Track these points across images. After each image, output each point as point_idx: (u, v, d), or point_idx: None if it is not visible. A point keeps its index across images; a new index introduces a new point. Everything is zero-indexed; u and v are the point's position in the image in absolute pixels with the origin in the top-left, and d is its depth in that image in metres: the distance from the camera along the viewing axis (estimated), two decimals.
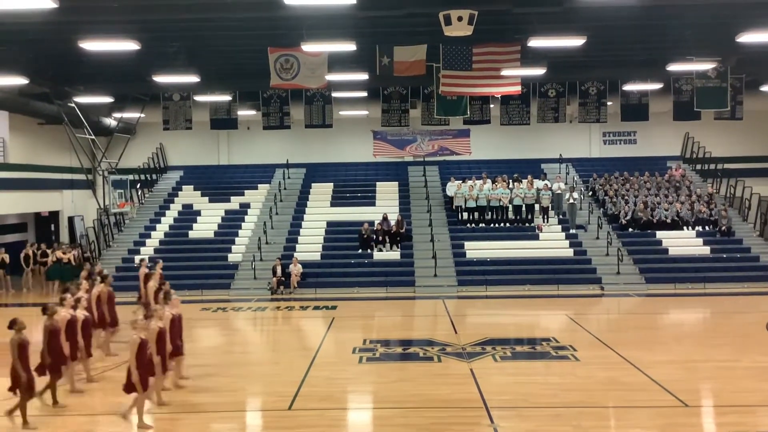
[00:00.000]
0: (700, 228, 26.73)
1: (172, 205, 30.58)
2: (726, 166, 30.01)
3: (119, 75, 23.80)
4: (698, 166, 31.65)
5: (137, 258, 26.32)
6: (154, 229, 28.80)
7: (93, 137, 28.77)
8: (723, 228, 26.39)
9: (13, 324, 10.68)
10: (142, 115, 29.44)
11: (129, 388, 10.58)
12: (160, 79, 21.31)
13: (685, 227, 26.77)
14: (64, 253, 25.53)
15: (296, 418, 11.10)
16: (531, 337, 16.87)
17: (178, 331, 12.48)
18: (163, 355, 11.39)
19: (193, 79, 21.16)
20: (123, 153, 30.34)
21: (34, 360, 11.11)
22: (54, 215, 31.13)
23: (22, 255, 26.14)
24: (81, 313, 12.75)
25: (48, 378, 11.68)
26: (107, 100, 26.69)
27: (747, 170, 29.90)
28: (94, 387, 12.95)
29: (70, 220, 31.71)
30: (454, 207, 28.20)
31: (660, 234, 26.53)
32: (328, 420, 10.99)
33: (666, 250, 25.86)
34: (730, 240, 26.24)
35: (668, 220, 26.86)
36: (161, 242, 27.73)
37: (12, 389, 10.73)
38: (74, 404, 11.85)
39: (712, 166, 30.65)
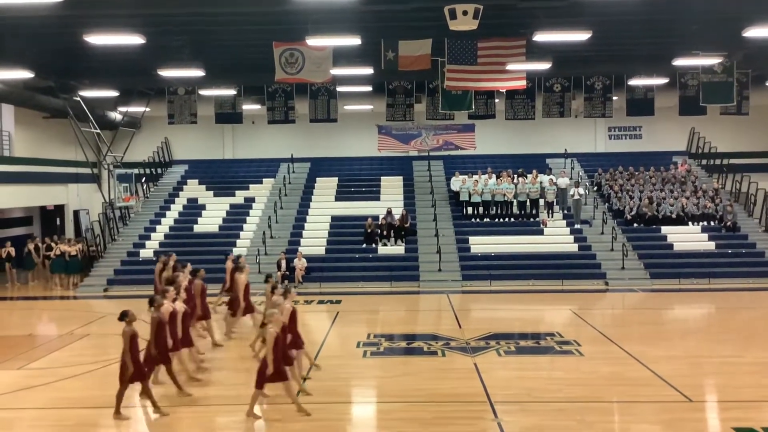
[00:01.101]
0: (705, 223, 26.67)
1: (177, 199, 30.63)
2: (731, 161, 29.94)
3: (124, 69, 23.82)
4: (704, 162, 31.57)
5: (142, 252, 26.49)
6: (159, 223, 28.85)
7: (98, 131, 28.83)
8: (728, 223, 26.33)
9: (124, 315, 10.83)
10: (147, 109, 29.48)
11: (263, 381, 10.65)
12: (165, 73, 21.32)
13: (690, 222, 26.71)
14: (69, 247, 25.62)
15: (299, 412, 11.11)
16: (535, 332, 16.84)
17: (296, 324, 12.76)
18: (285, 347, 11.53)
19: (198, 73, 21.16)
20: (128, 147, 30.40)
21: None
22: (59, 209, 31.23)
23: (32, 248, 26.20)
24: (180, 305, 12.93)
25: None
26: (112, 94, 26.75)
27: (753, 165, 29.80)
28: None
29: (76, 213, 31.79)
30: (460, 200, 28.18)
31: (665, 229, 26.47)
32: (332, 414, 11.02)
33: (671, 246, 25.82)
34: (735, 235, 26.17)
35: (673, 216, 26.80)
36: (166, 236, 27.78)
37: (122, 382, 10.82)
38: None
39: (718, 162, 30.59)
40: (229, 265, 18.60)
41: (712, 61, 21.81)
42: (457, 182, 28.57)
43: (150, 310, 11.77)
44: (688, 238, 26.11)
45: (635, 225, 26.89)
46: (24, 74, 20.86)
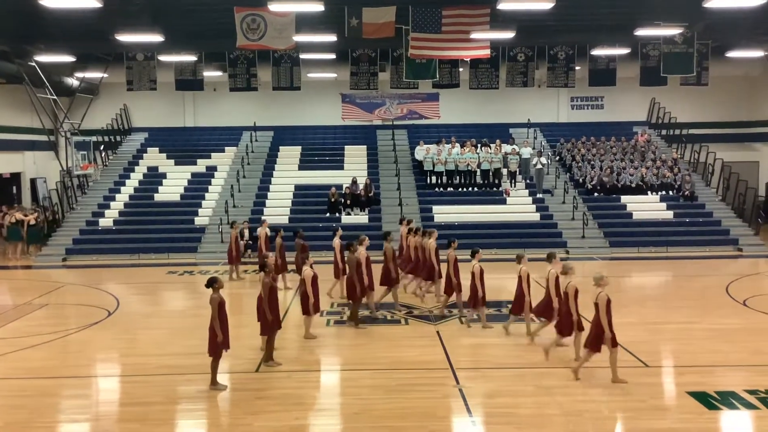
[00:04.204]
0: (663, 193, 27.10)
1: (137, 168, 30.15)
2: (690, 131, 30.37)
3: (81, 33, 23.13)
4: (663, 132, 31.99)
5: (102, 221, 26.13)
6: (119, 191, 28.41)
7: (55, 97, 28.11)
8: (686, 193, 26.80)
9: (213, 282, 10.59)
10: (105, 75, 28.80)
11: (599, 344, 10.59)
12: (124, 38, 20.82)
13: (649, 192, 27.12)
14: (25, 216, 25.13)
15: (263, 380, 11.15)
16: (497, 300, 16.98)
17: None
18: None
19: (157, 38, 20.70)
20: (86, 114, 29.74)
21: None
22: (15, 177, 30.53)
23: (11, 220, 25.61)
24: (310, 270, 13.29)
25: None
26: (69, 59, 25.98)
27: (711, 136, 30.25)
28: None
29: (32, 182, 31.14)
30: (424, 170, 28.20)
31: (624, 198, 26.87)
32: (295, 382, 11.05)
33: (630, 215, 26.23)
34: (692, 204, 26.67)
35: (633, 185, 27.19)
36: (126, 205, 27.39)
37: (212, 352, 10.62)
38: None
39: (677, 132, 31.01)
40: (403, 230, 18.50)
41: (673, 31, 22.00)
42: (421, 151, 28.56)
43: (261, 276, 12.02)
44: (647, 207, 26.53)
45: (596, 194, 27.23)
46: None
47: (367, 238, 15.55)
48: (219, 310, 10.49)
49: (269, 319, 11.59)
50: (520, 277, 13.18)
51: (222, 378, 10.94)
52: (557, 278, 12.24)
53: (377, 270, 15.66)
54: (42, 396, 10.60)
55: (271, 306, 11.61)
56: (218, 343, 10.50)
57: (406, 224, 18.78)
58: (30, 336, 13.90)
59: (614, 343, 10.55)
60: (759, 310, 15.53)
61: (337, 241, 16.83)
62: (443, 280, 15.50)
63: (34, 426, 9.49)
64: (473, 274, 13.82)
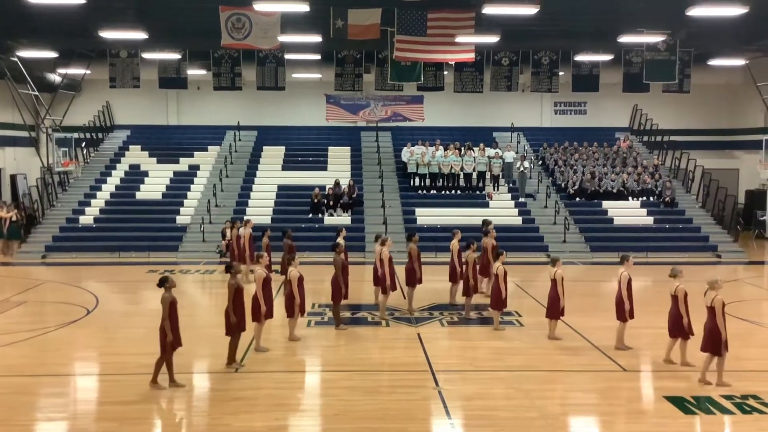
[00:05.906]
0: (644, 198, 27.33)
1: (118, 165, 29.96)
2: (672, 138, 30.63)
3: (64, 29, 23.02)
4: (645, 138, 32.25)
5: (82, 218, 25.94)
6: (100, 189, 28.21)
7: (36, 93, 27.91)
8: (667, 199, 27.03)
9: (164, 281, 10.52)
10: (88, 72, 28.61)
11: (717, 348, 10.55)
12: (107, 34, 20.70)
13: (630, 197, 27.34)
14: (7, 212, 24.88)
15: (243, 380, 11.12)
16: (477, 303, 17.08)
17: None
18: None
19: (141, 35, 20.61)
20: (68, 110, 29.54)
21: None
22: None
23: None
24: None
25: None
26: (51, 55, 25.82)
27: (692, 143, 30.58)
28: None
29: (13, 178, 30.82)
30: (407, 172, 28.23)
31: (606, 204, 27.07)
32: (275, 382, 11.04)
33: (611, 220, 26.43)
34: (673, 211, 26.92)
35: (614, 191, 27.40)
36: (107, 203, 27.21)
37: (162, 350, 10.56)
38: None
39: (659, 138, 31.28)
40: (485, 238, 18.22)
41: (656, 38, 22.23)
42: (407, 153, 28.58)
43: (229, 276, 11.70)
44: (627, 212, 26.75)
45: (577, 199, 27.40)
46: None
47: (389, 239, 15.82)
48: (170, 310, 10.46)
49: (232, 321, 11.45)
50: (554, 281, 13.21)
51: (202, 378, 10.90)
52: (629, 281, 12.59)
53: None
54: (19, 394, 10.52)
55: (236, 308, 11.49)
56: (167, 342, 10.47)
57: (485, 226, 18.81)
58: (8, 333, 13.76)
59: (726, 347, 10.64)
60: (736, 316, 15.67)
61: (455, 243, 16.76)
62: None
63: (11, 424, 9.40)
64: (497, 276, 13.95)
